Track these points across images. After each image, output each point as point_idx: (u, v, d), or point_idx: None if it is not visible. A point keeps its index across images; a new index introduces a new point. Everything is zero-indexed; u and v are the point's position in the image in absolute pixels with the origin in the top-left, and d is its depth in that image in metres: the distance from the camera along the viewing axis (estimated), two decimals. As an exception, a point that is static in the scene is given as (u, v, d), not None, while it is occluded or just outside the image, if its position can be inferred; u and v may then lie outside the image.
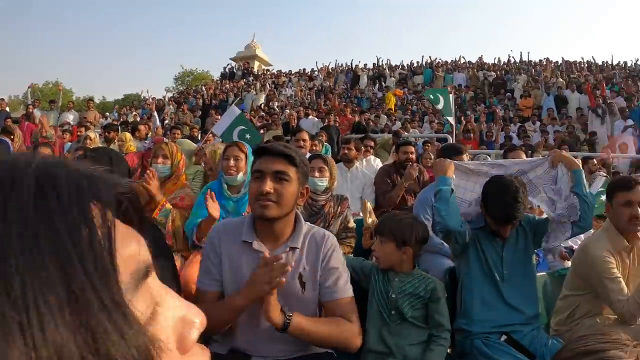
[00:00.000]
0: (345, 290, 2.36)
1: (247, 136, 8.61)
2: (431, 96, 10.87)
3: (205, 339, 2.33)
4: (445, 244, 4.34)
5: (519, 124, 14.53)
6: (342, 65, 26.54)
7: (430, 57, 26.40)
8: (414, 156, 6.53)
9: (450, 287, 3.19)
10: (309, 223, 2.47)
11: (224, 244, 2.36)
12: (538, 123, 14.67)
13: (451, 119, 10.50)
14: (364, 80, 24.09)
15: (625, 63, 24.39)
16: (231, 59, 39.86)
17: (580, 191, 3.04)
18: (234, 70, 31.02)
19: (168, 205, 3.92)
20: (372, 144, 8.27)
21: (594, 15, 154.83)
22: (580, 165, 3.21)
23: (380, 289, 2.80)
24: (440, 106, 10.19)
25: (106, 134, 9.27)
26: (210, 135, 9.56)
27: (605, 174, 7.17)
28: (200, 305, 1.96)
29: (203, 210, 3.67)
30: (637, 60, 24.32)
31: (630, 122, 13.22)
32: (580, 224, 3.07)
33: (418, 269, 2.89)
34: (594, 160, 7.46)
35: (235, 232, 2.38)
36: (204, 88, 25.35)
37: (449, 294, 2.91)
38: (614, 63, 24.45)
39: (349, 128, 13.55)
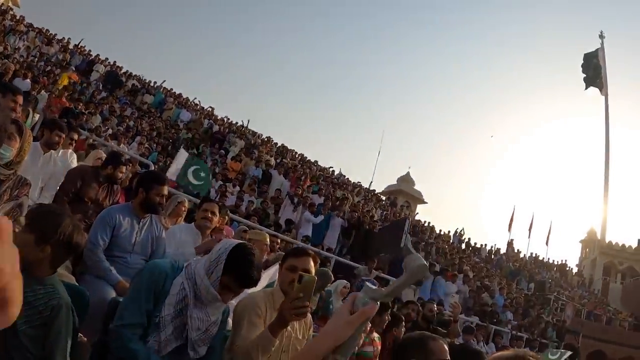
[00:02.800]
0: None
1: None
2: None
3: None
4: (113, 270, 4.06)
5: (220, 182, 14.79)
6: (84, 47, 24.68)
7: (168, 87, 26.14)
8: (123, 176, 6.38)
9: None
10: None
11: None
12: (238, 188, 15.09)
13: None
14: (97, 74, 22.69)
15: (333, 171, 27.28)
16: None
17: None
18: (-20, -14, 27.06)
19: None
20: (76, 137, 7.73)
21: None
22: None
23: None
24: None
25: None
26: None
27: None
28: None
29: None
30: (340, 170, 27.93)
31: (318, 219, 14.39)
32: None
33: (55, 280, 2.43)
34: (278, 240, 7.78)
35: None
36: None
37: (104, 329, 2.62)
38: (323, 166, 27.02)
39: (58, 112, 12.62)
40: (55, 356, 2.29)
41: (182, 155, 9.41)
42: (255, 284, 2.79)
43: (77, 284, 3.45)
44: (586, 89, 46.24)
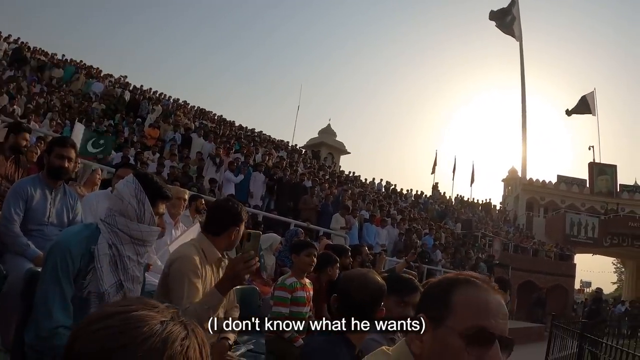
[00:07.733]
0: None
1: None
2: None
3: None
4: (31, 245, 3.93)
5: (138, 150, 14.48)
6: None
7: (81, 60, 25.26)
8: (27, 144, 5.96)
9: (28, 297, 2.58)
10: None
11: None
12: (158, 155, 14.82)
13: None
14: (0, 52, 21.58)
15: (253, 130, 27.33)
16: None
17: None
18: None
19: None
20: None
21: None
22: None
23: None
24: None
25: None
26: None
27: None
28: None
29: None
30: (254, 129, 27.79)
31: (238, 178, 14.45)
32: None
33: None
34: (202, 200, 7.67)
35: None
36: None
37: (27, 303, 2.49)
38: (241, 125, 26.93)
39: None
40: None
41: (79, 129, 9.34)
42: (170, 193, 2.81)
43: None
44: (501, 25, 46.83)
